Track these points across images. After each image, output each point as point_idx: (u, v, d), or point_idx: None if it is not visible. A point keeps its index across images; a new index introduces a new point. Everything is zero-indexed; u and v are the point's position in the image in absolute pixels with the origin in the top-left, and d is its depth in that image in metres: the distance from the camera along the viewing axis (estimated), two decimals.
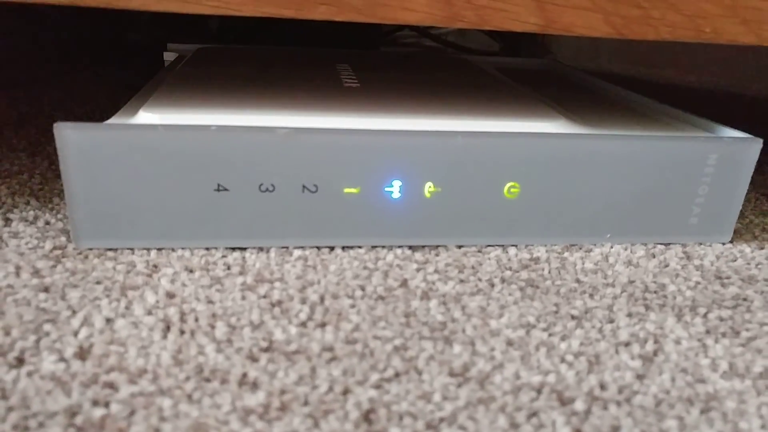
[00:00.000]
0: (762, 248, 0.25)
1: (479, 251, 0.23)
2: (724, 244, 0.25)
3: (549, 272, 0.22)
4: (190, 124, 0.21)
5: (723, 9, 0.22)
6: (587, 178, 0.23)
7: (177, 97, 0.24)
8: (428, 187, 0.23)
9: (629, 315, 0.20)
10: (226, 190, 0.21)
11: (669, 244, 0.25)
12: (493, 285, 0.21)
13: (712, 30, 0.22)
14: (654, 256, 0.24)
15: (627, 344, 0.18)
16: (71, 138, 0.20)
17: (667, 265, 0.23)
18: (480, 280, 0.21)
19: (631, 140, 0.23)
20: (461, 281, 0.21)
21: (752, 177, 0.33)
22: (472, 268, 0.22)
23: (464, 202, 0.23)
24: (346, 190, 0.22)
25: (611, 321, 0.19)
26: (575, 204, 0.24)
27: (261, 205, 0.22)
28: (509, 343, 0.18)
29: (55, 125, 0.20)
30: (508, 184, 0.23)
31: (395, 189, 0.22)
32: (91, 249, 0.22)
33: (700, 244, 0.25)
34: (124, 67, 0.55)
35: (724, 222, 0.25)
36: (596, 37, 0.22)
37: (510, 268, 0.22)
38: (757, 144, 0.24)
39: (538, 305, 0.20)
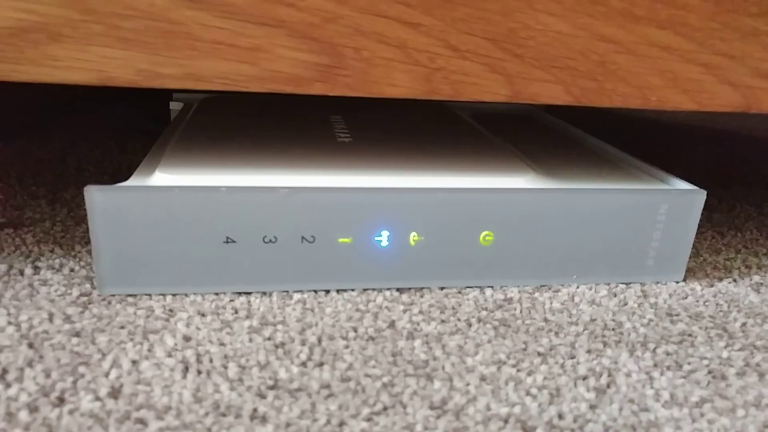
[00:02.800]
0: (711, 285, 0.28)
1: (459, 292, 0.26)
2: (677, 282, 0.28)
3: (520, 312, 0.25)
4: (202, 185, 0.24)
5: (666, 81, 0.25)
6: (554, 227, 0.26)
7: (187, 156, 0.27)
8: (413, 237, 0.26)
9: (588, 351, 0.23)
10: (233, 242, 0.24)
11: (629, 283, 0.28)
12: (470, 324, 0.24)
13: (658, 99, 0.25)
14: (615, 295, 0.27)
15: (584, 378, 0.21)
16: (99, 199, 0.23)
17: (625, 304, 0.26)
18: (459, 320, 0.24)
19: (592, 194, 0.26)
20: (442, 321, 0.24)
21: (710, 215, 0.36)
22: (453, 308, 0.25)
23: (445, 249, 0.26)
24: (341, 240, 0.25)
25: (572, 357, 0.22)
26: (544, 249, 0.27)
27: (264, 254, 0.25)
28: (482, 378, 0.21)
29: (85, 188, 0.23)
30: (484, 233, 0.26)
31: (384, 238, 0.25)
32: (113, 295, 0.24)
33: (657, 282, 0.28)
34: (129, 107, 0.58)
35: (676, 263, 0.28)
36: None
37: (486, 308, 0.25)
38: (701, 195, 0.27)
39: (509, 343, 0.23)
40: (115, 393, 0.19)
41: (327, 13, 0.23)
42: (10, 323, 0.22)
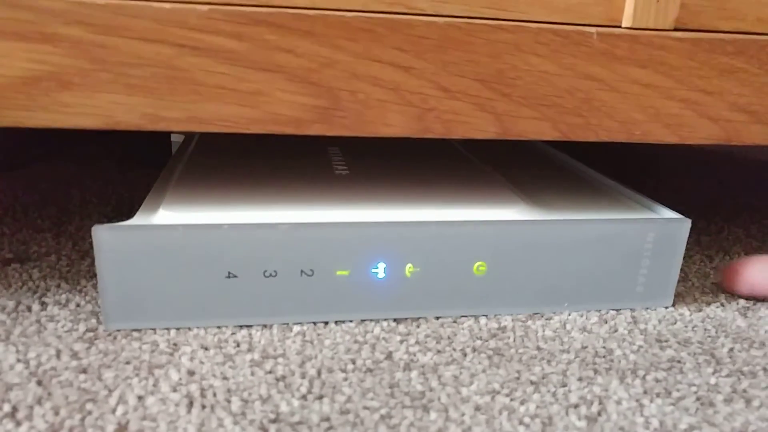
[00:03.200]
0: (700, 310, 0.29)
1: (454, 321, 0.27)
2: (666, 307, 0.29)
3: (514, 340, 0.26)
4: (205, 224, 0.25)
5: (648, 116, 0.26)
6: (545, 257, 0.27)
7: (190, 192, 0.28)
8: (408, 268, 0.26)
9: (580, 379, 0.23)
10: (235, 276, 0.25)
11: (620, 309, 0.29)
12: (465, 354, 0.25)
13: (642, 133, 0.27)
14: (606, 322, 0.28)
15: (576, 406, 0.22)
16: (106, 238, 0.24)
17: (616, 330, 0.27)
18: (454, 350, 0.25)
19: (581, 224, 0.27)
20: (438, 352, 0.25)
21: (698, 238, 0.37)
22: (448, 338, 0.26)
23: (439, 280, 0.27)
24: (338, 272, 0.26)
25: (564, 385, 0.23)
26: (535, 279, 0.27)
27: (265, 288, 0.25)
28: (477, 408, 0.22)
29: (93, 228, 0.24)
30: (477, 263, 0.27)
31: (380, 270, 0.26)
32: (118, 330, 0.25)
33: (647, 308, 0.29)
34: (132, 137, 0.59)
35: (665, 289, 0.29)
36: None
37: (480, 338, 0.26)
38: (687, 223, 0.28)
39: (503, 372, 0.24)
40: (121, 430, 0.20)
41: (324, 59, 0.24)
42: (19, 360, 0.23)
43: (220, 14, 0.23)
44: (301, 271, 0.26)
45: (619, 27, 0.25)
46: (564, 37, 0.25)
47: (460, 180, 0.32)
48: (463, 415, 0.21)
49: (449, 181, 0.32)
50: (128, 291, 0.25)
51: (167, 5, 0.23)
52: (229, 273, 0.25)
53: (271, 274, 0.25)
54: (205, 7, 0.23)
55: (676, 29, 0.25)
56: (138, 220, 0.25)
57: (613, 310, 0.29)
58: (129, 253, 0.24)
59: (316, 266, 0.26)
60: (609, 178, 0.34)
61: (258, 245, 0.25)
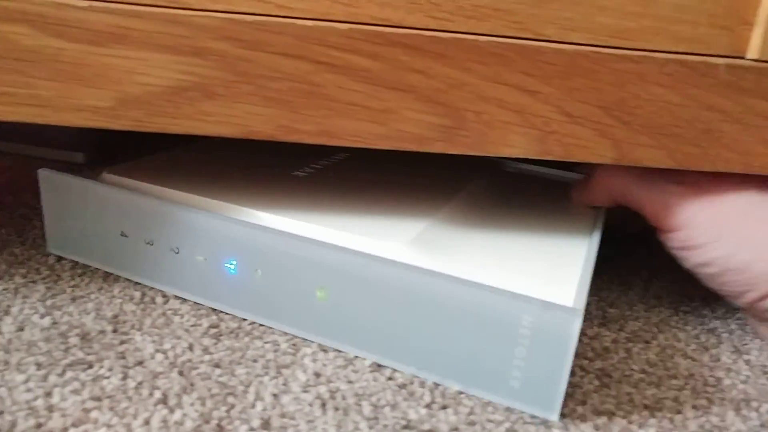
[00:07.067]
0: None
1: None
2: (549, 421, 0.22)
3: (618, 362, 0.26)
4: (104, 186, 0.28)
5: None
6: (394, 305, 0.23)
7: (150, 166, 0.32)
8: (257, 272, 0.26)
9: (694, 407, 0.24)
10: (126, 237, 0.28)
11: (490, 402, 0.23)
12: (573, 373, 0.25)
13: (760, 165, 0.27)
14: (706, 349, 0.28)
15: None
16: (44, 179, 0.29)
17: (718, 360, 0.27)
18: None
19: (435, 279, 0.22)
20: None
21: None
22: None
23: (283, 293, 0.26)
24: (198, 257, 0.27)
25: (679, 412, 0.23)
26: (380, 325, 0.24)
27: (145, 253, 0.28)
28: (596, 428, 0.22)
29: (39, 170, 0.29)
30: (318, 287, 0.25)
31: (232, 266, 0.26)
32: (55, 255, 0.28)
33: (535, 420, 0.22)
34: None
35: (548, 394, 0.22)
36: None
37: (586, 357, 0.26)
38: (576, 316, 0.20)
39: (614, 393, 0.24)
40: (265, 425, 0.21)
41: (453, 81, 0.25)
42: (158, 351, 0.24)
43: (358, 33, 0.24)
44: (170, 248, 0.28)
45: (743, 58, 0.25)
46: (690, 68, 0.25)
47: (389, 202, 0.30)
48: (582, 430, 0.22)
49: (391, 199, 0.31)
50: (61, 226, 0.30)
51: (309, 23, 0.24)
52: (122, 232, 0.28)
53: (149, 243, 0.28)
54: (346, 26, 0.24)
55: None
56: (84, 174, 0.29)
57: (482, 398, 0.23)
58: (60, 195, 0.29)
59: (181, 246, 0.27)
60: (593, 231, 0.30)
61: (139, 214, 0.28)
